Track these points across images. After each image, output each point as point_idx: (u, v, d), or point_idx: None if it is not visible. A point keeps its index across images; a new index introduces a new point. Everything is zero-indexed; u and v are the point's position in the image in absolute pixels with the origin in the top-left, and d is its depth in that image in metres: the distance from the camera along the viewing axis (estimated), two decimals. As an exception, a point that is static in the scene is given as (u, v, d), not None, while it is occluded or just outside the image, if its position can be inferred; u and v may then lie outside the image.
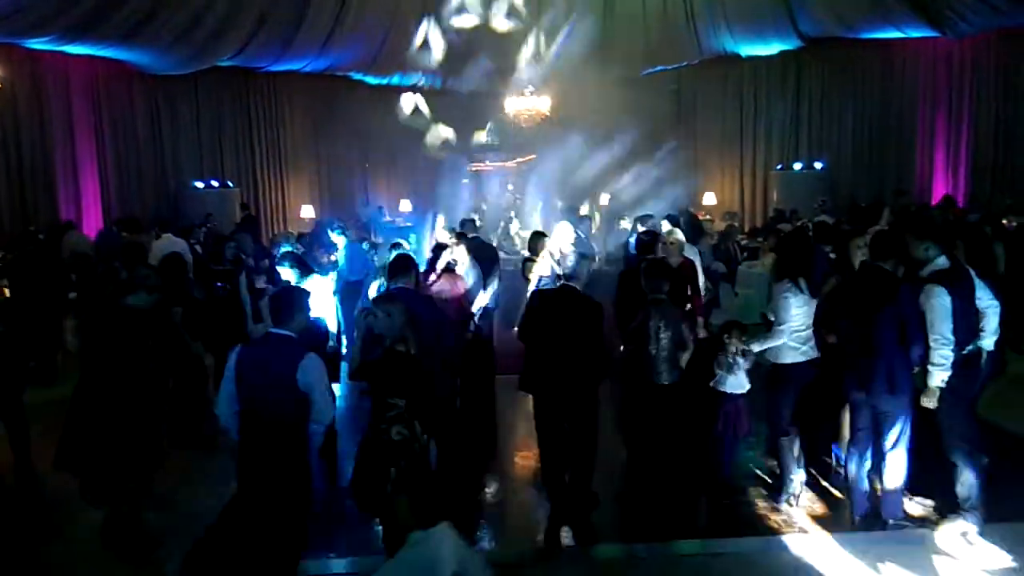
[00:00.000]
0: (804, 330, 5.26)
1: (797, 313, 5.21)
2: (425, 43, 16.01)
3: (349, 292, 8.20)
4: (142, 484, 4.83)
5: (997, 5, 12.13)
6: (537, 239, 7.59)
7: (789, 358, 5.25)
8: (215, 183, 15.85)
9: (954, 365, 4.69)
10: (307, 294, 4.44)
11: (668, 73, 18.08)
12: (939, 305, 4.66)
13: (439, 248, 6.84)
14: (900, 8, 13.14)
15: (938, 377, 4.66)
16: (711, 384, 5.55)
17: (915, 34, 14.33)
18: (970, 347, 4.87)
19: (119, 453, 4.64)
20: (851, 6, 13.79)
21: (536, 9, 15.97)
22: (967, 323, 4.81)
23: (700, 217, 14.63)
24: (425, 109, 17.50)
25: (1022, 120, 14.16)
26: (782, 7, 14.60)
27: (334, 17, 15.14)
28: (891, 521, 4.87)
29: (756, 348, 5.38)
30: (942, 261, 4.87)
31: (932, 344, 4.67)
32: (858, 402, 4.99)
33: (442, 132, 17.54)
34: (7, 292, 9.21)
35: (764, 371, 5.52)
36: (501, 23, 15.38)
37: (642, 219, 8.84)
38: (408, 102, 17.64)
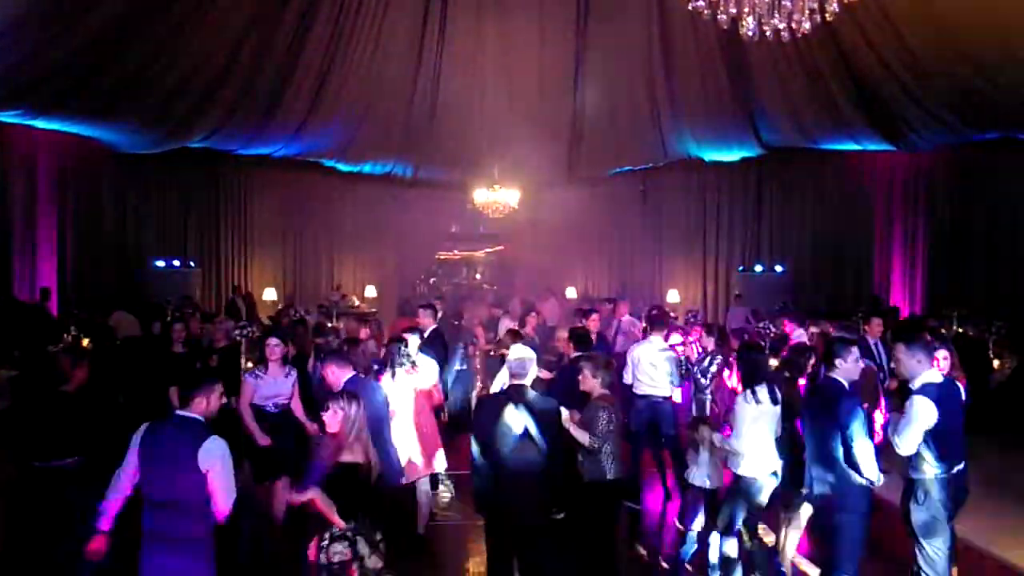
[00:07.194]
0: (765, 437, 5.20)
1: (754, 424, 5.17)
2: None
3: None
4: None
5: (949, 123, 12.71)
6: None
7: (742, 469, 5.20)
8: (176, 263, 15.60)
9: (943, 484, 4.51)
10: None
11: (635, 173, 18.50)
12: (921, 417, 4.41)
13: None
14: (858, 123, 13.69)
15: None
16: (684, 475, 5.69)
17: (872, 147, 14.91)
18: (959, 466, 4.60)
19: None
20: (811, 120, 14.32)
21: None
22: (955, 440, 4.58)
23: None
24: None
25: (975, 230, 14.66)
26: (744, 118, 15.11)
27: (308, 105, 15.20)
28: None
29: (717, 441, 5.36)
30: (933, 374, 4.61)
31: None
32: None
33: None
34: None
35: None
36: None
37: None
38: None
